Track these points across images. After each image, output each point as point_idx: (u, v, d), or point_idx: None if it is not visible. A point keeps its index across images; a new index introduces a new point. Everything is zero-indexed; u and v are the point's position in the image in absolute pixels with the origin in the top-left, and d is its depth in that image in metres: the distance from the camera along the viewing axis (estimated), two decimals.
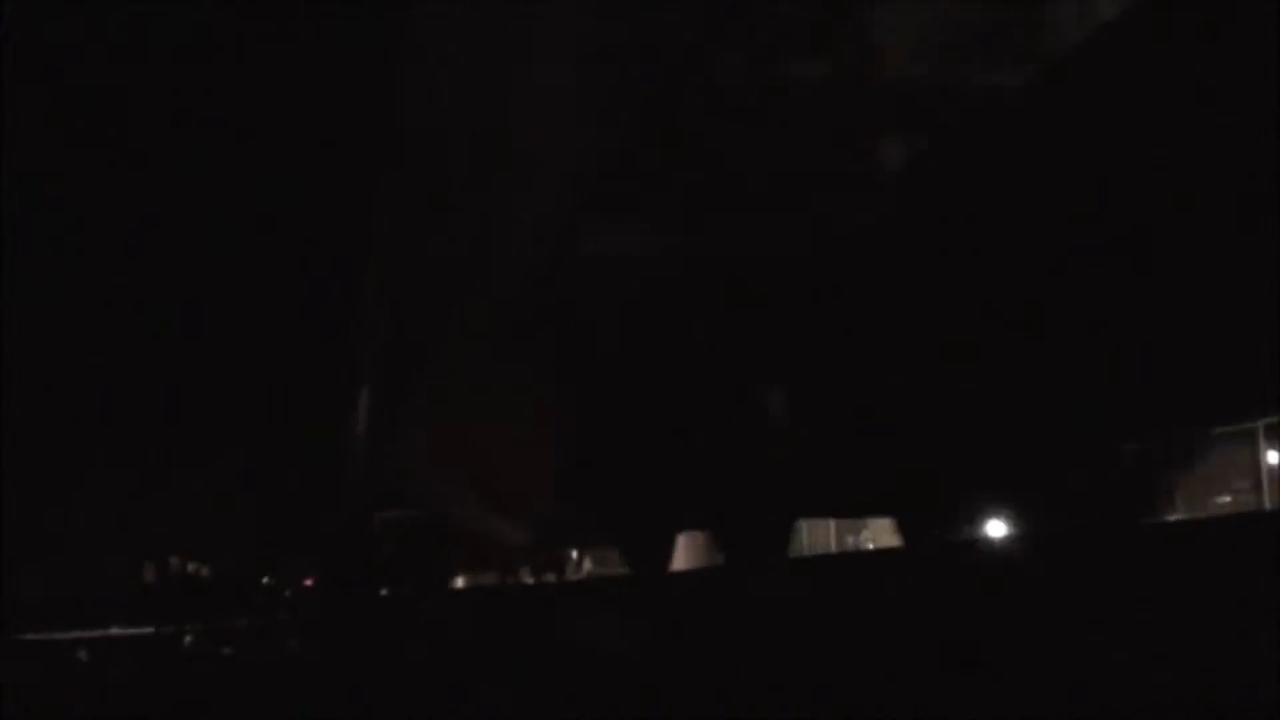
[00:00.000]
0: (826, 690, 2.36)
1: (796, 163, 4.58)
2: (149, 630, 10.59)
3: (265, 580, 24.63)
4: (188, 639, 9.48)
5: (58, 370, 18.26)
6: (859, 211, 4.18)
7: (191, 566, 23.00)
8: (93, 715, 4.07)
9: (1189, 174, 2.90)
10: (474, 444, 9.89)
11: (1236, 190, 2.79)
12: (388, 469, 14.54)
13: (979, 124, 3.70)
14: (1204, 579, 2.06)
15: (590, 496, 7.02)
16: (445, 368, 10.80)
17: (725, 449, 5.36)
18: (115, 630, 10.87)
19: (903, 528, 4.89)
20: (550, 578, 13.81)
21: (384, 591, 16.24)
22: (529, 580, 14.55)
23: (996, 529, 4.48)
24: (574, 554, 14.83)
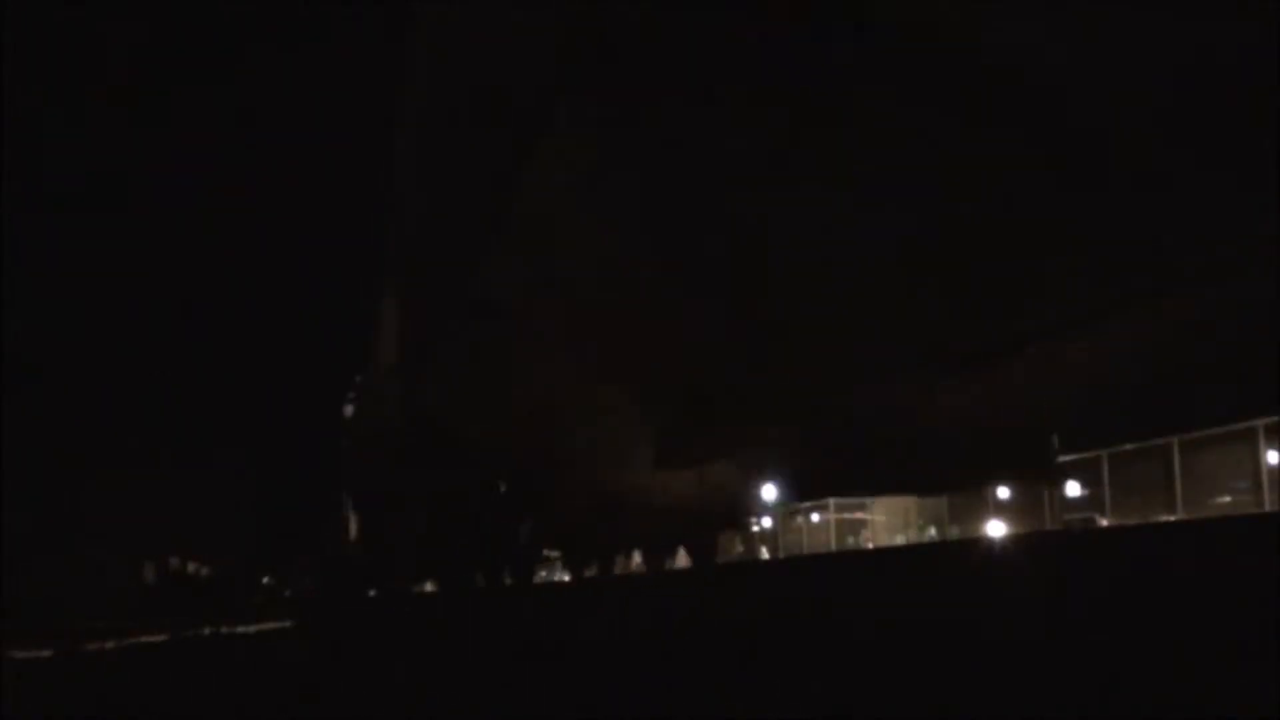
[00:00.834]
0: (826, 690, 2.36)
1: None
2: (149, 630, 10.58)
3: (265, 580, 24.62)
4: (188, 639, 9.48)
5: (58, 370, 18.27)
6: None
7: (191, 566, 23.01)
8: (93, 715, 4.07)
9: (1189, 173, 2.89)
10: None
11: (1237, 190, 2.78)
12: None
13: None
14: (1204, 579, 2.06)
15: None
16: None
17: None
18: (115, 630, 10.87)
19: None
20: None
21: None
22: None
23: (996, 529, 4.48)
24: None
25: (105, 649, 8.46)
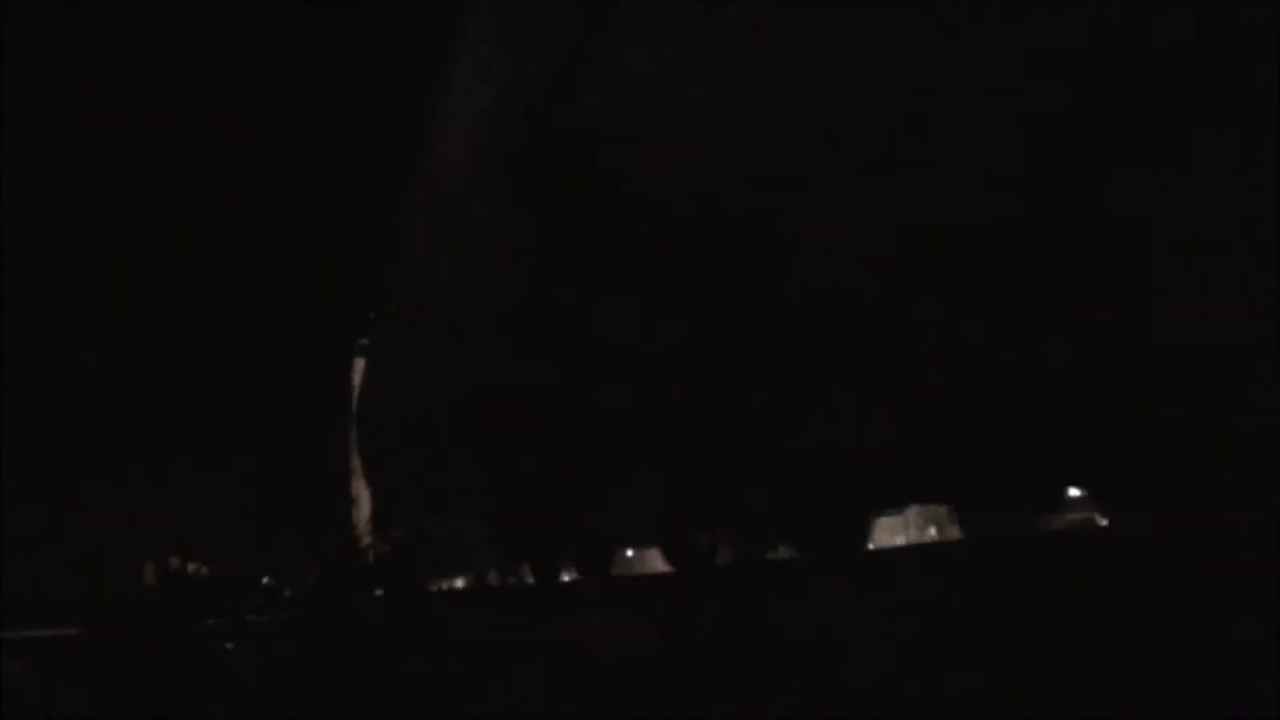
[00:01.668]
0: (826, 690, 2.36)
1: None
2: (149, 630, 10.59)
3: (265, 580, 24.66)
4: (188, 639, 9.50)
5: (58, 371, 18.28)
6: None
7: (191, 566, 23.03)
8: (93, 715, 4.08)
9: (1189, 173, 2.89)
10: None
11: (1236, 190, 2.78)
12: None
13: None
14: (1204, 579, 2.06)
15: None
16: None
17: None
18: (115, 630, 10.88)
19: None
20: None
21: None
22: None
23: (996, 529, 4.48)
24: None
25: (105, 649, 8.48)
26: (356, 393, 15.57)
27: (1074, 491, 4.36)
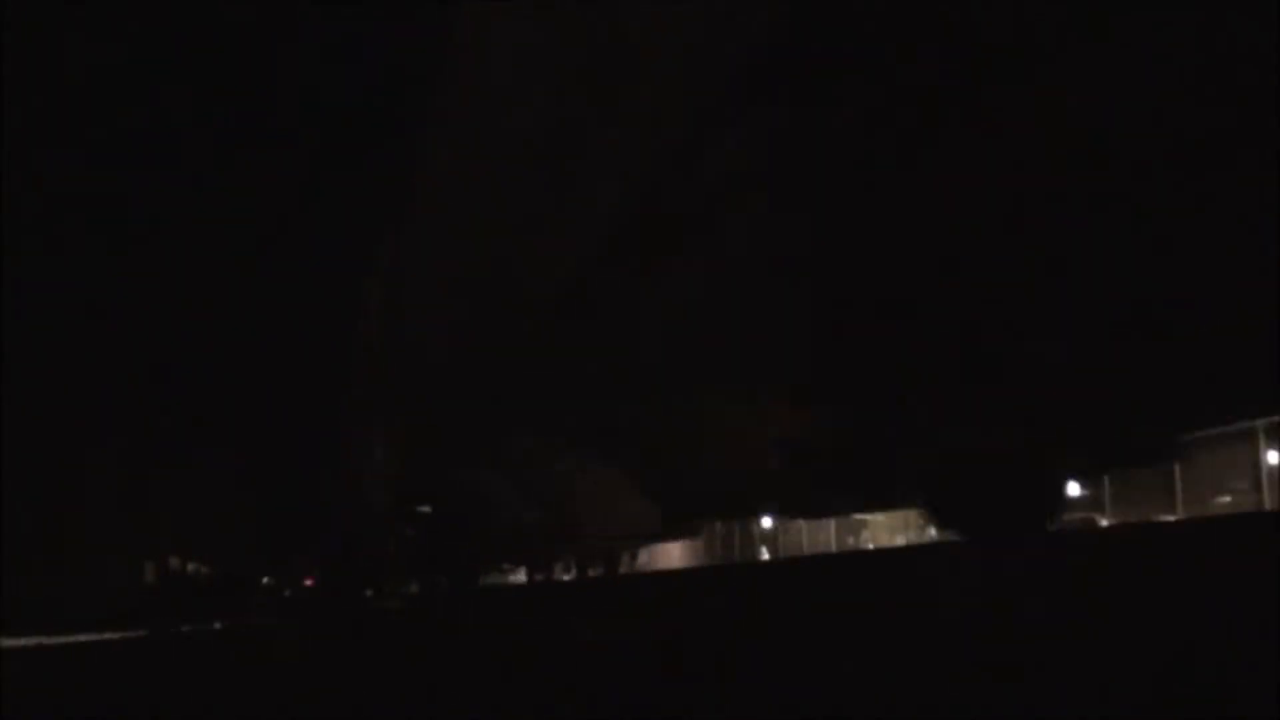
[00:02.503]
0: (826, 691, 2.36)
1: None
2: (149, 630, 10.59)
3: (265, 580, 24.63)
4: (188, 639, 9.49)
5: (59, 371, 18.28)
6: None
7: (191, 566, 23.02)
8: (93, 716, 4.07)
9: (1189, 173, 2.90)
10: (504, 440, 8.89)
11: (1237, 190, 2.79)
12: (410, 464, 13.27)
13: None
14: (1204, 579, 2.06)
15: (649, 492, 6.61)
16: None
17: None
18: (115, 630, 10.88)
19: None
20: (593, 571, 12.95)
21: (411, 585, 15.86)
22: (567, 575, 14.07)
23: (995, 529, 4.48)
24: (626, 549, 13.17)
25: (106, 648, 8.47)
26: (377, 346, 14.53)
27: (1074, 491, 4.38)
